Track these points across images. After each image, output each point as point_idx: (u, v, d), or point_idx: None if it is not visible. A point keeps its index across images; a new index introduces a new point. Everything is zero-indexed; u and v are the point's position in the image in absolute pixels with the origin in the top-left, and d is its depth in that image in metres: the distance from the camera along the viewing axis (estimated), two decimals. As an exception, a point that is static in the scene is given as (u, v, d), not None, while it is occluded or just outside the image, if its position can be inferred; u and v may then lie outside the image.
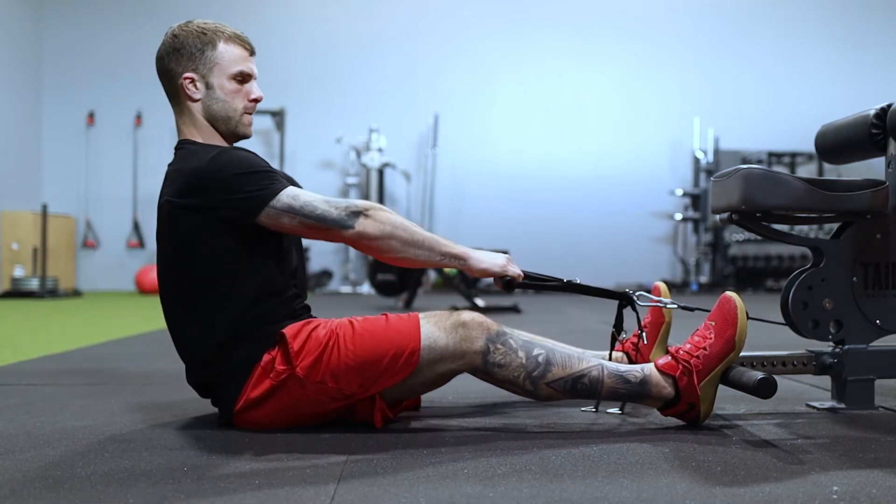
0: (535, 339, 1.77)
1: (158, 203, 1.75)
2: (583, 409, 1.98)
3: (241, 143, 1.87)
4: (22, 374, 2.70)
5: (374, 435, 1.68)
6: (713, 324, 1.76)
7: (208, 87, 1.77)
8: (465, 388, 2.18)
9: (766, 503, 1.22)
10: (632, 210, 9.82)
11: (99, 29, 9.61)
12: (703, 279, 9.34)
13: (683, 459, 1.49)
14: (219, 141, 1.80)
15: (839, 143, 2.14)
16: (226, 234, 1.68)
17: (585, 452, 1.54)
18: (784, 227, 2.15)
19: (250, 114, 1.83)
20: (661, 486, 1.31)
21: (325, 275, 9.34)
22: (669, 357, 1.75)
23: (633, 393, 1.75)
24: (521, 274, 1.81)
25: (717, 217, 2.03)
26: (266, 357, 1.69)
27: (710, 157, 9.49)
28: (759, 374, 1.68)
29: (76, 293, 8.50)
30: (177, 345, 1.78)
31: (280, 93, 9.28)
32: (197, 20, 1.80)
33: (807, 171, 9.25)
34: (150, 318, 5.20)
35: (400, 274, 6.03)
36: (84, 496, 1.26)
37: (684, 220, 9.61)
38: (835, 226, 2.06)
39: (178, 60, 1.76)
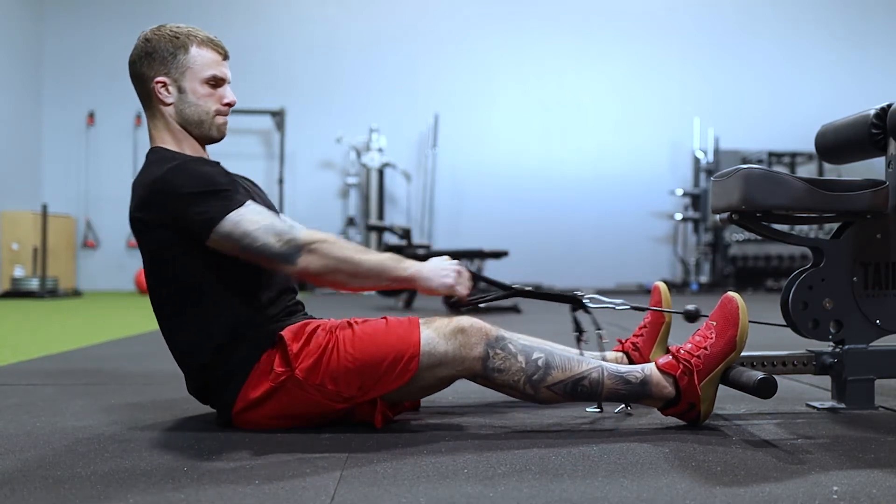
0: (534, 343, 1.77)
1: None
2: (588, 408, 1.98)
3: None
4: (22, 374, 2.70)
5: (374, 435, 1.68)
6: (714, 324, 1.76)
7: (181, 91, 1.75)
8: (465, 389, 2.17)
9: (766, 503, 1.22)
10: (632, 210, 9.81)
11: (99, 29, 9.61)
12: (704, 279, 9.33)
13: (683, 459, 1.49)
14: (191, 144, 1.79)
15: (839, 143, 2.14)
16: (199, 242, 1.66)
17: (585, 452, 1.54)
18: (784, 227, 2.15)
19: (224, 116, 1.81)
20: (662, 486, 1.31)
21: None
22: (670, 356, 1.75)
23: (633, 393, 1.75)
24: (465, 296, 1.78)
25: (718, 217, 2.03)
26: (264, 357, 1.69)
27: (710, 157, 9.48)
28: (760, 374, 1.68)
29: (76, 293, 8.50)
30: (173, 352, 1.79)
31: (280, 93, 9.28)
32: (170, 24, 1.78)
33: (807, 171, 9.24)
34: (150, 318, 5.15)
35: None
36: (84, 496, 1.26)
37: (684, 220, 9.60)
38: (835, 226, 2.06)
39: (150, 64, 1.75)
